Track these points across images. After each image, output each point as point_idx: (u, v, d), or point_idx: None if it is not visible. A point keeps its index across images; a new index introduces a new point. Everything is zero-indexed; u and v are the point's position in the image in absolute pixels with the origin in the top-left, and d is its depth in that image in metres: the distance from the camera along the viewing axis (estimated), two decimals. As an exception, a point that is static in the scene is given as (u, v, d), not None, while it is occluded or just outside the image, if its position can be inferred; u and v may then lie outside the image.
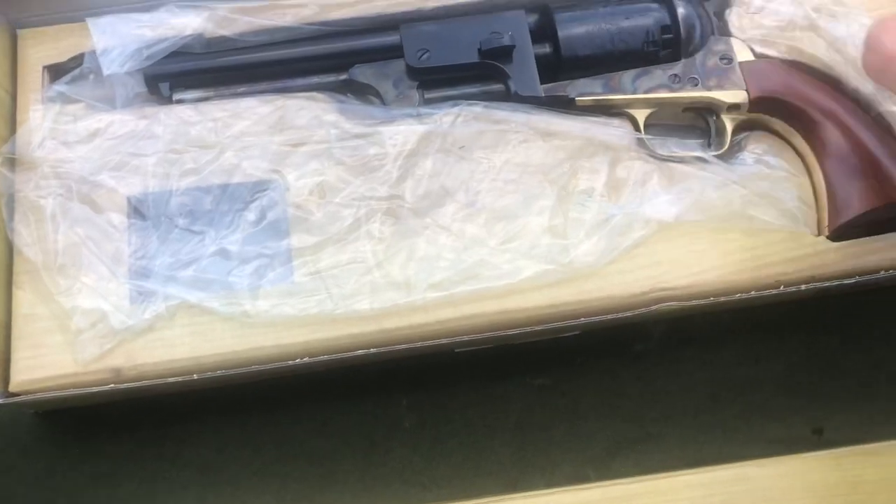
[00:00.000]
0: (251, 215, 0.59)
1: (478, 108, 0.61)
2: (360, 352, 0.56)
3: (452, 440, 0.64)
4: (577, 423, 0.64)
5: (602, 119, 0.62)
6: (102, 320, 0.56)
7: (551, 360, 0.66)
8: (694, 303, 0.58)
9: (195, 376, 0.56)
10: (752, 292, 0.58)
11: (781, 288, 0.58)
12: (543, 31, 0.63)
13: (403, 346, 0.57)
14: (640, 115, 0.62)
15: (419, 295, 0.57)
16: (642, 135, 0.61)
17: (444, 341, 0.57)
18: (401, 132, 0.60)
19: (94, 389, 0.55)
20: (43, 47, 0.64)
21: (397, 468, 0.64)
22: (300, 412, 0.65)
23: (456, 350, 0.60)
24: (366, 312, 0.56)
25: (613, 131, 0.61)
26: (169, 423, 0.64)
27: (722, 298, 0.58)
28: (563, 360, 0.66)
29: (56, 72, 0.64)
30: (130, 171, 0.60)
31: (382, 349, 0.57)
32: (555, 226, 0.59)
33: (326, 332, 0.56)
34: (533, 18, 0.63)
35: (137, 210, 0.59)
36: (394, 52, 0.62)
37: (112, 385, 0.55)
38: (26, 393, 0.56)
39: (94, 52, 0.61)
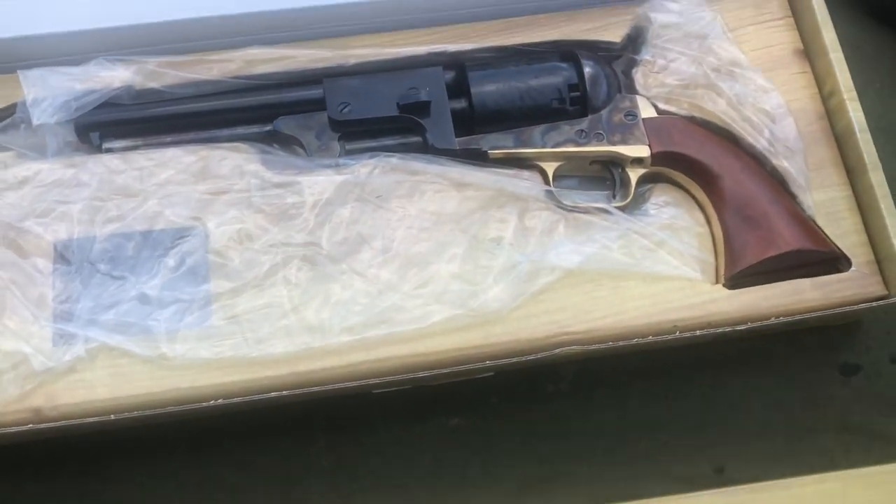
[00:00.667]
0: (171, 261, 0.61)
1: (394, 160, 0.64)
2: (274, 394, 0.59)
3: (369, 479, 0.66)
4: (490, 462, 0.67)
5: (513, 171, 0.65)
6: (24, 362, 0.58)
7: (467, 400, 0.68)
8: (594, 347, 0.61)
9: (112, 417, 0.58)
10: (650, 337, 0.61)
11: (678, 333, 0.61)
12: (459, 87, 0.66)
13: (316, 389, 0.59)
14: (549, 167, 0.65)
15: (333, 339, 0.59)
16: (550, 187, 0.64)
17: (355, 384, 0.59)
18: (319, 182, 0.63)
19: (15, 429, 0.57)
20: (-24, 97, 0.66)
21: (315, 505, 0.66)
22: (221, 450, 0.67)
23: (374, 392, 0.63)
24: (280, 356, 0.59)
25: (523, 183, 0.64)
26: (91, 463, 0.66)
27: (620, 343, 0.61)
28: (479, 400, 0.68)
29: (-12, 121, 0.66)
30: (56, 218, 0.62)
31: (296, 391, 0.59)
32: (465, 272, 0.62)
33: (241, 375, 0.58)
34: (450, 75, 0.67)
35: (62, 256, 0.61)
36: (317, 105, 0.65)
37: (31, 425, 0.57)
38: (-54, 431, 0.57)
39: (25, 102, 0.64)
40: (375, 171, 0.64)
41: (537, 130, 0.65)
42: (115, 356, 0.59)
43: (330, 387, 0.59)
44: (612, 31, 0.70)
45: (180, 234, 0.62)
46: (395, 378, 0.60)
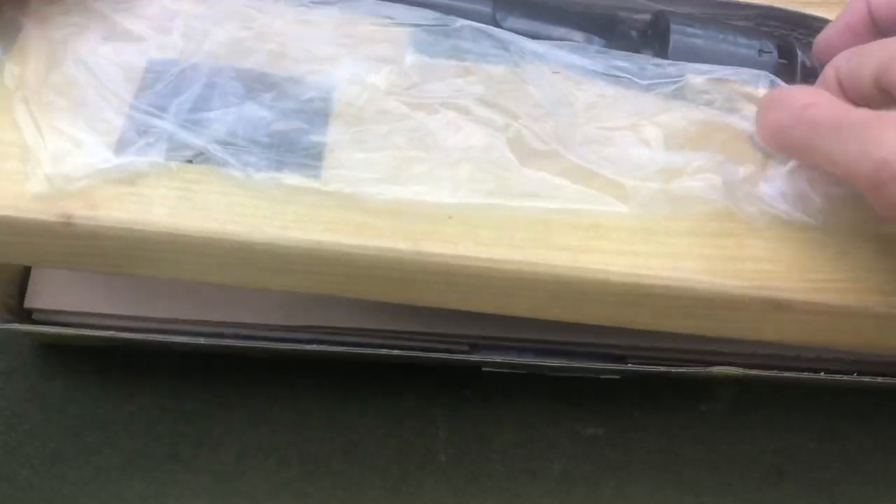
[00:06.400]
0: (296, 89, 0.53)
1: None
2: (383, 352, 0.57)
3: (490, 481, 0.66)
4: (626, 482, 0.66)
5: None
6: (78, 149, 0.48)
7: (606, 409, 0.67)
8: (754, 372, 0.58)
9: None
10: (821, 374, 0.59)
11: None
12: (648, 38, 0.62)
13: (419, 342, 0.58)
14: None
15: (476, 201, 0.51)
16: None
17: (474, 358, 0.58)
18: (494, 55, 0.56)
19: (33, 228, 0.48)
20: None
21: (427, 503, 0.65)
22: (332, 429, 0.67)
23: (483, 369, 0.62)
24: (410, 213, 0.50)
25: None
26: (188, 422, 0.67)
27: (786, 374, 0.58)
28: (619, 411, 0.68)
29: None
30: (157, 24, 0.54)
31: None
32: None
33: (344, 236, 0.49)
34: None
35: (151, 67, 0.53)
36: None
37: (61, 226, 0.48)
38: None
39: None
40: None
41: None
42: (192, 179, 0.49)
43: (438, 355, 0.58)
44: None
45: (309, 73, 0.54)
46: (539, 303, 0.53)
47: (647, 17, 0.63)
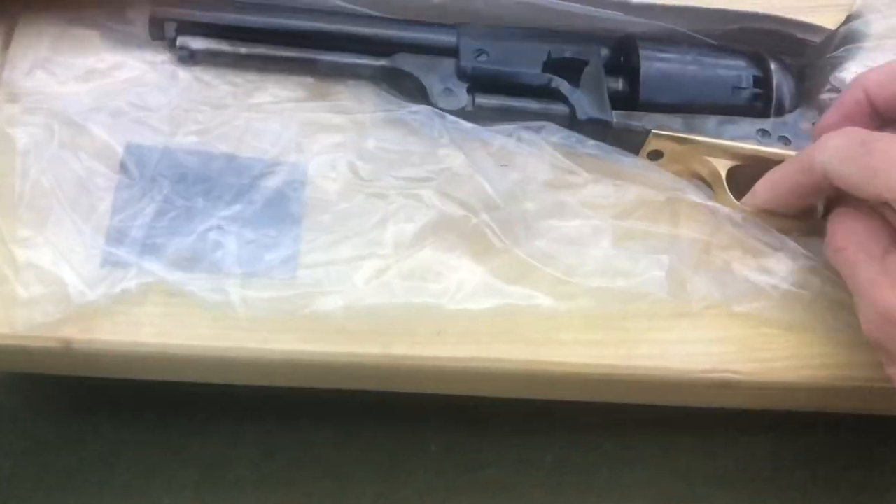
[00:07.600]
0: (258, 195, 0.57)
1: (538, 137, 0.59)
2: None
3: (481, 471, 0.66)
4: (620, 472, 0.66)
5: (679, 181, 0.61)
6: (59, 286, 0.53)
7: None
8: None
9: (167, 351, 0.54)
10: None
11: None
12: (619, 65, 0.62)
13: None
14: (722, 167, 0.60)
15: (445, 310, 0.56)
16: (726, 190, 0.60)
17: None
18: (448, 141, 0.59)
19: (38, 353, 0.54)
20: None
21: (418, 493, 0.66)
22: (321, 418, 0.67)
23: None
24: (380, 317, 0.55)
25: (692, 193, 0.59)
26: (177, 412, 0.67)
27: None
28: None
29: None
30: (125, 121, 0.58)
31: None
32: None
33: (322, 346, 0.55)
34: (606, 49, 0.63)
35: (125, 165, 0.57)
36: (447, 51, 0.61)
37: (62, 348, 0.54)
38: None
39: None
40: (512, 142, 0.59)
41: (711, 120, 0.61)
42: (171, 294, 0.54)
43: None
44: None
45: (273, 165, 0.58)
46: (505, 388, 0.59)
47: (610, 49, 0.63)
